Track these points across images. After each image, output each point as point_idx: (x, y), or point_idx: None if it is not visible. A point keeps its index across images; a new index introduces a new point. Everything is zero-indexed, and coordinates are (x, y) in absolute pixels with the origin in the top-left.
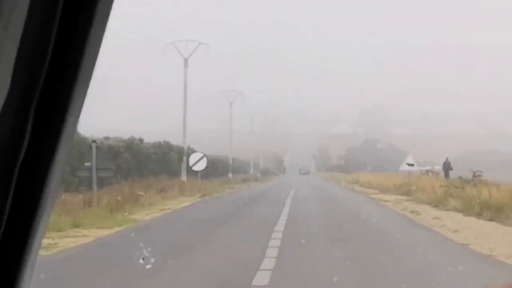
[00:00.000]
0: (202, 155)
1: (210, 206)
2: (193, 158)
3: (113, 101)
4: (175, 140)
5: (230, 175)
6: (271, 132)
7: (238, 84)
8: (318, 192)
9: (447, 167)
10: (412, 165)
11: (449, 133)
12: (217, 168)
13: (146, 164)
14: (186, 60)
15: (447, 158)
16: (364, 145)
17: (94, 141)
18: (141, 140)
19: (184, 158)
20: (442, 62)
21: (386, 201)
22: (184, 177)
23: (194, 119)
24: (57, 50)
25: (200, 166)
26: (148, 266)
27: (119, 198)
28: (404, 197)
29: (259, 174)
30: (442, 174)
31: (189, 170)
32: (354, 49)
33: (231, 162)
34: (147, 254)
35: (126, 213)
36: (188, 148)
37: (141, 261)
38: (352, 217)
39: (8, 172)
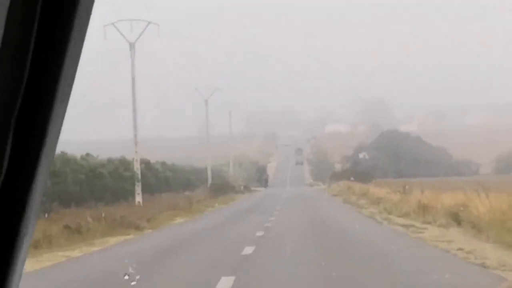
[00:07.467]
0: None
1: None
2: None
3: None
4: None
5: (138, 198)
6: (252, 132)
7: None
8: None
9: None
10: None
11: (471, 128)
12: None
13: None
14: None
15: None
16: (380, 141)
17: None
18: None
19: None
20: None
21: None
22: None
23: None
24: (35, 69)
25: None
26: None
27: None
28: None
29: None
30: None
31: None
32: (347, 42)
33: (138, 170)
34: None
35: None
36: None
37: None
38: None
39: None
